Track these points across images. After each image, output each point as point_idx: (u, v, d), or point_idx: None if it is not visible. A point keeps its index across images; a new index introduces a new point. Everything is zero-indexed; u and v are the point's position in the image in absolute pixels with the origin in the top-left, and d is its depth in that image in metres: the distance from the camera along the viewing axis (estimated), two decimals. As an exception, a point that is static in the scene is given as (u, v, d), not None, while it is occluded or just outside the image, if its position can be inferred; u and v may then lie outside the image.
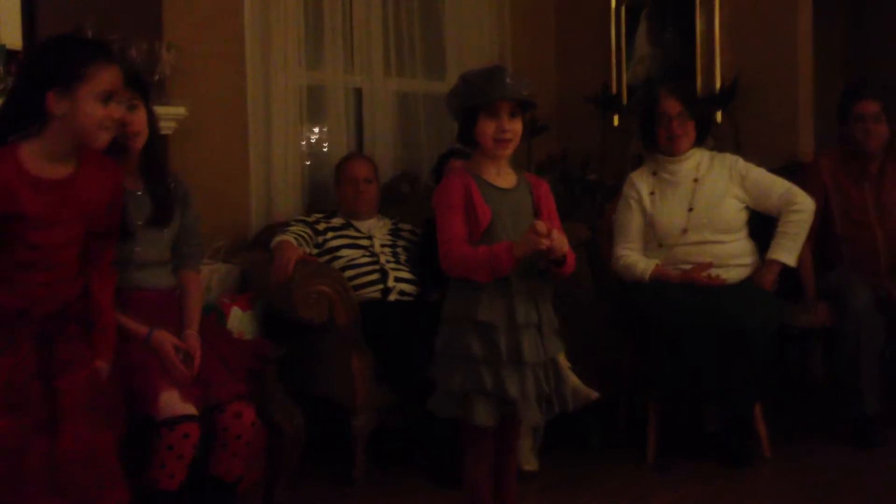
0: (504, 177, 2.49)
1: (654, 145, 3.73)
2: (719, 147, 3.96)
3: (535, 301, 2.44)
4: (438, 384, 2.46)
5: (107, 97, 2.32)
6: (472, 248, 2.38)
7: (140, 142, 2.78)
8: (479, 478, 2.51)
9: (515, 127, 2.42)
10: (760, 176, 3.66)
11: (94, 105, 2.30)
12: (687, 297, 3.45)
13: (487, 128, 2.40)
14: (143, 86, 2.84)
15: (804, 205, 3.61)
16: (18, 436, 2.24)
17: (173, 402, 2.55)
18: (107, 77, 2.32)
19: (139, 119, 2.77)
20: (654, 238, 3.66)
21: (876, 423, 3.66)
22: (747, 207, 3.67)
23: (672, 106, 3.65)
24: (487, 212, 2.40)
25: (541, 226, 2.33)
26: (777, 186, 3.64)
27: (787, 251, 3.59)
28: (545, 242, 2.31)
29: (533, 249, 2.33)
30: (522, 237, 2.35)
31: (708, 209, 3.61)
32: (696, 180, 3.65)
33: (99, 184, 2.44)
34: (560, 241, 2.36)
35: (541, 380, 2.43)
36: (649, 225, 3.67)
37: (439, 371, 2.45)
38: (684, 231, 3.60)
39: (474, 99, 2.40)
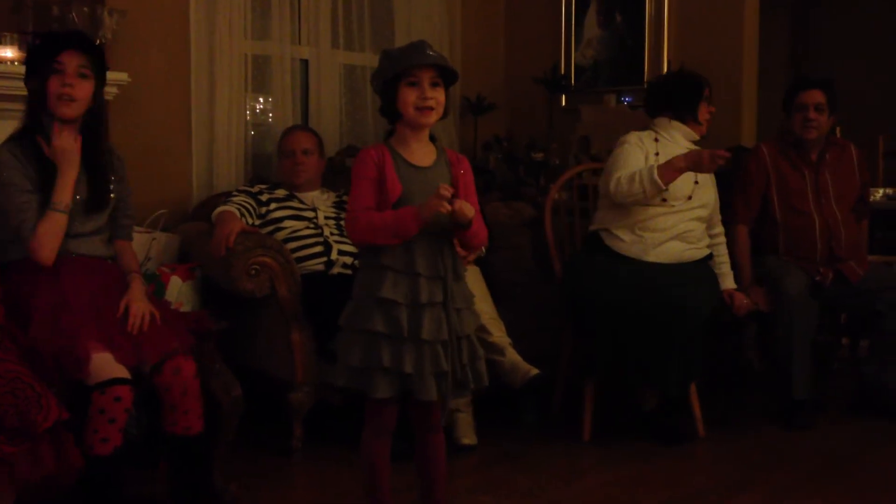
0: (423, 154, 2.47)
1: (689, 114, 3.73)
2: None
3: (443, 280, 2.42)
4: (339, 357, 2.45)
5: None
6: (378, 213, 2.38)
7: (72, 109, 2.75)
8: (377, 451, 2.51)
9: (437, 95, 2.42)
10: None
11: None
12: (627, 279, 3.49)
13: (409, 96, 2.40)
14: (99, 59, 2.83)
15: (721, 230, 3.82)
16: None
17: (105, 365, 2.53)
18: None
19: (81, 88, 2.75)
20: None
21: (805, 406, 3.75)
22: None
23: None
24: (398, 188, 2.40)
25: (444, 189, 2.33)
26: (716, 204, 3.77)
27: (731, 277, 3.80)
28: (446, 206, 2.32)
29: (435, 211, 2.33)
30: (427, 200, 2.35)
31: (704, 185, 3.68)
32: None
33: None
34: (463, 208, 2.36)
35: (440, 357, 2.40)
36: None
37: (340, 344, 2.45)
38: (689, 198, 3.64)
39: (395, 68, 2.40)
